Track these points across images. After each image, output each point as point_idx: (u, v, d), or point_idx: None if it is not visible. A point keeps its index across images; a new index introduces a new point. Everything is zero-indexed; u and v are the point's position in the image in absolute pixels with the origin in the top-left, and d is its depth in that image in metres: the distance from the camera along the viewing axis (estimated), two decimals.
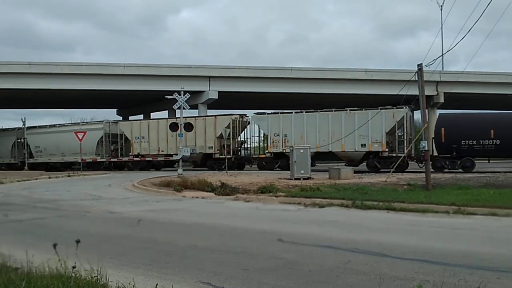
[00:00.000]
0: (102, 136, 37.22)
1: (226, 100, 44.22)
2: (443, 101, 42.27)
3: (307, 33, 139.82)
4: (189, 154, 26.89)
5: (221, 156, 32.05)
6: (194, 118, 33.02)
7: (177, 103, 26.33)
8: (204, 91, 41.87)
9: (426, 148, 17.95)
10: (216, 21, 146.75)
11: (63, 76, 39.54)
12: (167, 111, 46.63)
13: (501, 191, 15.42)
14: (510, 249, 7.36)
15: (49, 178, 28.79)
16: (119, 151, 37.80)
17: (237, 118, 33.46)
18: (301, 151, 22.58)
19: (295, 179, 21.40)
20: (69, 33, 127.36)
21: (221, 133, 31.67)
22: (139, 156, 35.78)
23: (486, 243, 7.89)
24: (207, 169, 32.59)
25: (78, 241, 5.34)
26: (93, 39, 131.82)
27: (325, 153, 29.12)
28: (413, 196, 13.98)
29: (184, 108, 26.69)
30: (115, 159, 37.30)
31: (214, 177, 22.52)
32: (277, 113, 30.65)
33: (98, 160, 37.34)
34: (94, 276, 5.13)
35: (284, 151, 29.18)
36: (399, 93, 21.17)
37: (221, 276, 6.03)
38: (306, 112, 30.08)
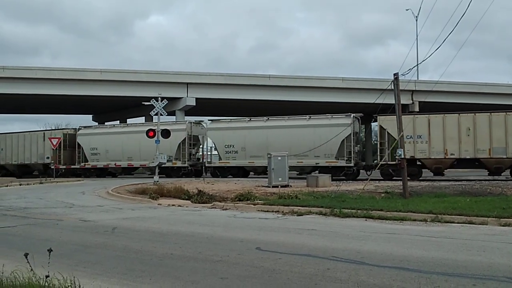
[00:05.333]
0: (350, 133, 28.64)
1: (203, 107, 44.08)
2: (418, 110, 43.00)
3: (277, 40, 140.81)
4: (165, 161, 26.56)
5: None
6: (473, 114, 25.55)
7: (154, 109, 26.14)
8: (181, 97, 41.64)
9: (402, 156, 18.15)
10: (184, 27, 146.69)
11: (37, 81, 38.76)
12: (144, 117, 46.24)
13: (477, 199, 15.67)
14: (486, 256, 7.45)
15: (20, 185, 28.13)
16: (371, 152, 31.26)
17: None
18: (279, 158, 22.60)
19: (273, 186, 21.37)
20: (34, 36, 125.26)
21: None
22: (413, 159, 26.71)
23: (462, 250, 7.98)
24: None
25: (50, 250, 5.22)
26: (60, 43, 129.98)
27: None
28: (391, 204, 14.09)
29: (161, 115, 26.51)
30: (360, 161, 29.27)
31: (191, 184, 22.36)
32: None
33: (339, 164, 28.94)
34: (68, 286, 5.00)
35: None
36: (376, 102, 21.41)
37: (198, 285, 5.94)
38: None
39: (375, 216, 12.38)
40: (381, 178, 27.00)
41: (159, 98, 26.09)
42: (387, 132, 27.16)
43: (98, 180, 32.90)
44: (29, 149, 38.74)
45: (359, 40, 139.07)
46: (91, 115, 58.25)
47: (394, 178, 26.25)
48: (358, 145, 29.68)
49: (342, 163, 28.58)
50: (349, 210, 13.07)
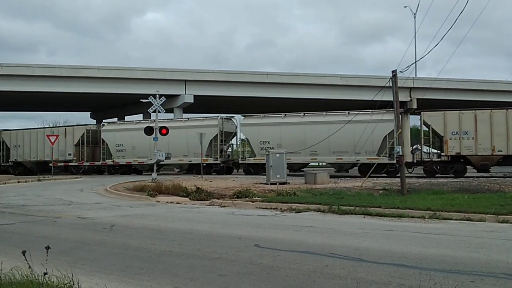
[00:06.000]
0: (393, 129, 26.86)
1: (201, 104, 44.09)
2: (416, 107, 43.06)
3: (275, 37, 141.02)
4: (163, 159, 26.52)
5: None
6: None
7: (152, 107, 26.11)
8: (179, 94, 41.66)
9: (401, 153, 18.17)
10: (181, 23, 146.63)
11: (35, 78, 38.73)
12: (142, 114, 46.20)
13: (475, 195, 15.67)
14: (484, 253, 7.46)
15: (18, 182, 28.09)
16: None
17: None
18: (277, 155, 22.59)
19: (271, 183, 21.38)
20: (31, 33, 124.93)
21: None
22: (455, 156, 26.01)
23: (460, 247, 7.99)
24: None
25: (48, 248, 5.19)
26: (57, 40, 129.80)
27: None
28: (389, 201, 14.09)
29: (159, 112, 26.47)
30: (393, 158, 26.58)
31: (189, 181, 22.35)
32: None
33: (381, 161, 26.51)
34: (67, 283, 4.99)
35: None
36: (374, 99, 21.42)
37: (197, 282, 5.93)
38: None
39: (373, 213, 12.40)
40: (424, 175, 26.32)
41: (157, 95, 26.05)
42: (432, 128, 26.55)
43: (97, 177, 32.86)
44: (49, 146, 36.63)
45: (356, 37, 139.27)
46: (89, 112, 58.24)
47: (437, 175, 25.81)
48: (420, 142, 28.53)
49: (384, 160, 26.90)
50: (348, 207, 13.07)
